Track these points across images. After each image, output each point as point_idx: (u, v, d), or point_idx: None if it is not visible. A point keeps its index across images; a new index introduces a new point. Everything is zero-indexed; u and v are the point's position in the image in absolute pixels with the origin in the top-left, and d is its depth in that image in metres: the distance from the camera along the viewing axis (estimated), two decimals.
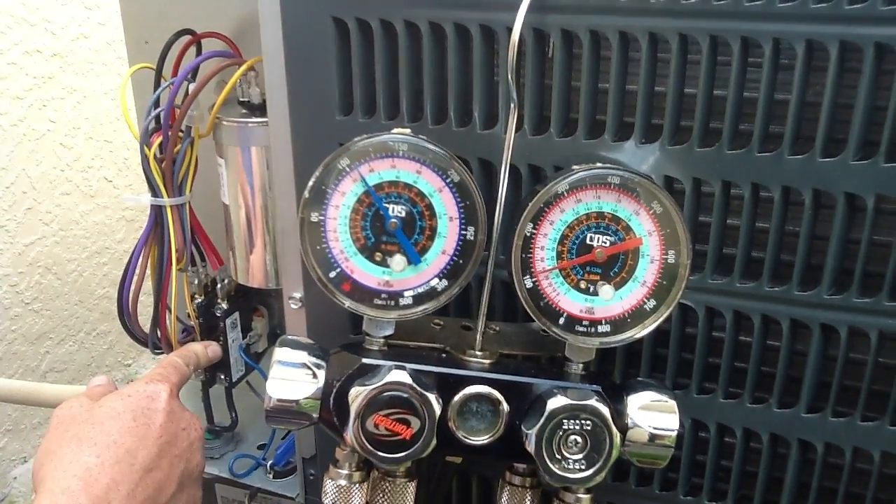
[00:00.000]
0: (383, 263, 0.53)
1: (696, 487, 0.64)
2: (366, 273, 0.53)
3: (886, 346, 0.55)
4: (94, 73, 1.64)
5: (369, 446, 0.51)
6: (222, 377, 0.80)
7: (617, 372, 0.62)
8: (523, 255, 0.52)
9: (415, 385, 0.50)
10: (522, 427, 0.52)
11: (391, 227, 0.52)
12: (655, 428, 0.53)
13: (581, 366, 0.55)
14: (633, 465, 0.63)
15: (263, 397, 0.82)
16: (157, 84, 0.72)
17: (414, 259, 0.52)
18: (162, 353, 0.78)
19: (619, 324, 0.53)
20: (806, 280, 0.55)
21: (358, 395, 0.50)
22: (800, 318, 0.56)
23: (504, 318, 0.62)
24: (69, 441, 0.58)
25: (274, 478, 0.80)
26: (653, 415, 0.53)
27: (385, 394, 0.50)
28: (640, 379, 0.58)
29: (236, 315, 0.79)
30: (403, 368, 0.51)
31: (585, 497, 0.55)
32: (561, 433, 0.51)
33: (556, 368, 0.56)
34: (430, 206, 0.52)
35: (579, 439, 0.51)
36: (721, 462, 0.63)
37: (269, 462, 0.80)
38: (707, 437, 0.62)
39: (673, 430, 0.53)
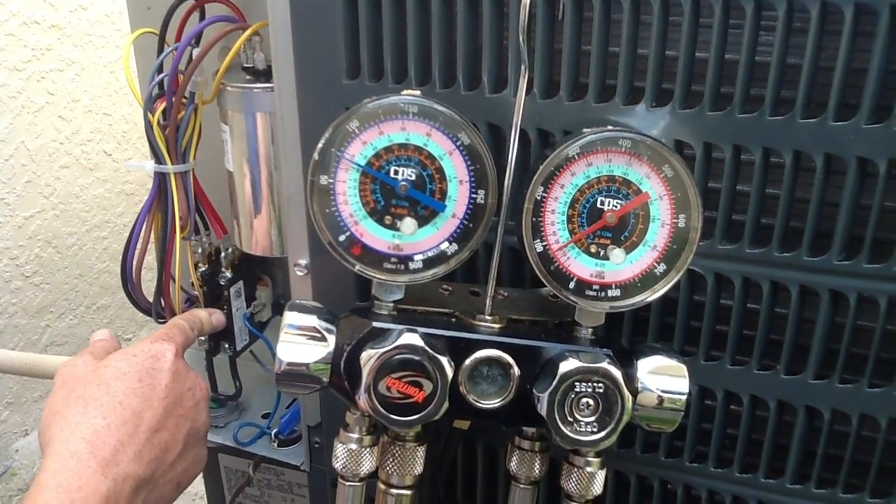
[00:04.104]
0: (393, 227, 0.53)
1: (701, 455, 0.64)
2: (375, 237, 0.53)
3: (895, 313, 0.55)
4: (93, 45, 1.63)
5: (381, 409, 0.51)
6: (226, 346, 0.80)
7: (624, 339, 0.62)
8: (534, 219, 0.52)
9: (426, 348, 0.50)
10: (534, 390, 0.52)
11: (402, 191, 0.52)
12: (665, 391, 0.53)
13: (590, 330, 0.55)
14: (641, 430, 0.63)
15: (267, 366, 0.83)
16: (160, 49, 0.71)
17: (438, 207, 0.52)
18: (165, 322, 0.77)
19: (629, 288, 0.53)
20: (816, 246, 0.55)
21: (370, 357, 0.50)
22: (809, 284, 0.56)
23: (511, 285, 0.62)
24: (75, 402, 0.58)
25: (278, 446, 0.80)
26: (663, 378, 0.53)
27: (397, 356, 0.50)
28: (649, 343, 0.58)
29: (240, 284, 0.79)
30: (415, 331, 0.51)
31: (595, 461, 0.55)
32: (573, 396, 0.51)
33: (565, 333, 0.55)
34: (440, 170, 0.52)
35: (591, 402, 0.51)
36: (727, 430, 0.63)
37: (274, 430, 0.81)
38: (713, 405, 0.62)
39: (683, 394, 0.53)
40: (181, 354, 0.65)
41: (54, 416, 0.58)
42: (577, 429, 0.51)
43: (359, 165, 0.52)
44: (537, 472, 0.58)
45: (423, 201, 0.52)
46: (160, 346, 0.63)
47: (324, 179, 0.52)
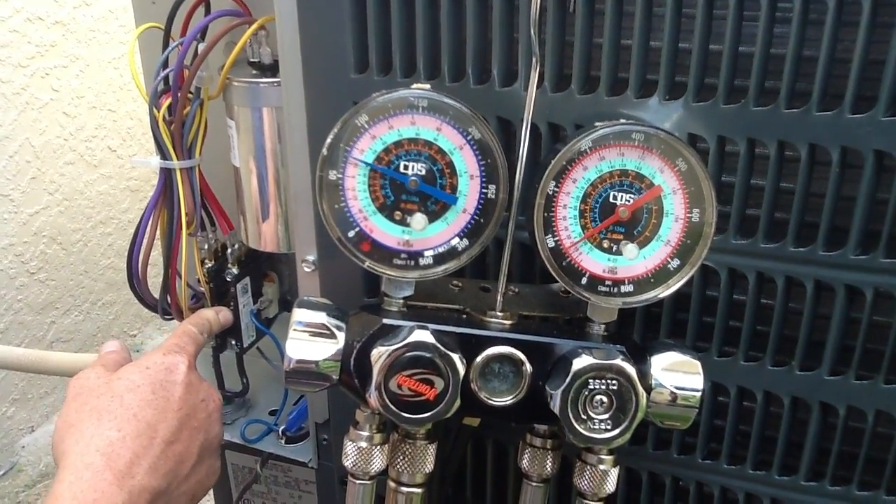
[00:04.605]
0: (403, 222, 0.52)
1: (713, 452, 0.64)
2: (385, 232, 0.52)
3: None
4: (97, 41, 1.63)
5: (392, 407, 0.50)
6: (233, 343, 0.79)
7: (636, 335, 0.61)
8: (545, 214, 0.51)
9: (438, 345, 0.50)
10: (547, 387, 0.51)
11: (412, 186, 0.51)
12: (679, 388, 0.52)
13: (603, 326, 0.54)
14: (654, 427, 0.62)
15: (274, 363, 0.82)
16: (165, 44, 0.71)
17: (449, 200, 0.51)
18: (172, 319, 0.77)
19: (642, 283, 0.52)
20: (831, 241, 0.54)
21: (381, 355, 0.50)
22: (824, 279, 0.55)
23: (521, 280, 0.61)
24: (89, 414, 0.58)
25: (286, 443, 0.80)
26: (676, 375, 0.52)
27: (408, 354, 0.49)
28: (662, 340, 0.57)
29: (247, 280, 0.78)
30: (426, 328, 0.50)
31: (608, 458, 0.54)
32: (587, 393, 0.50)
33: (576, 329, 0.55)
34: (450, 164, 0.51)
35: (605, 399, 0.50)
36: (740, 426, 0.62)
37: (281, 427, 0.80)
38: (726, 402, 0.61)
39: (697, 391, 0.52)
40: (194, 365, 0.65)
41: (68, 428, 0.58)
42: (591, 426, 0.51)
43: (367, 163, 0.51)
44: (549, 469, 0.57)
45: (434, 195, 0.51)
46: (173, 357, 0.63)
47: (333, 175, 0.51)
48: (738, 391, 0.60)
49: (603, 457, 0.54)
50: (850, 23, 0.49)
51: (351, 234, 0.52)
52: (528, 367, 0.52)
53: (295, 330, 0.53)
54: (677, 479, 0.65)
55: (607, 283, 0.52)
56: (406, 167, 0.51)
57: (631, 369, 0.50)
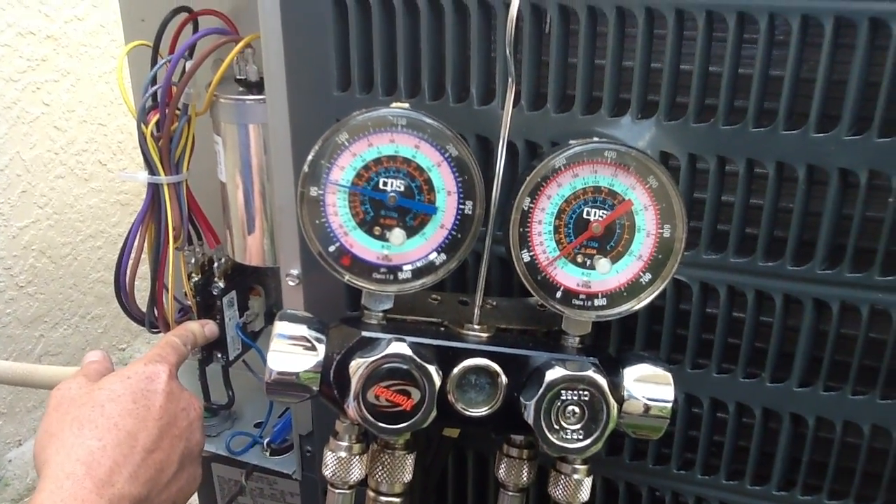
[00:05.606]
0: (382, 237, 0.53)
1: (688, 462, 0.65)
2: (365, 247, 0.53)
3: (877, 321, 0.56)
4: (88, 55, 1.64)
5: (370, 417, 0.51)
6: (219, 356, 0.80)
7: (612, 347, 0.62)
8: (521, 230, 0.52)
9: (414, 357, 0.51)
10: (521, 398, 0.53)
11: (390, 202, 0.52)
12: (651, 399, 0.53)
13: (578, 339, 0.55)
14: (628, 438, 0.63)
15: (260, 376, 0.83)
16: (153, 61, 0.72)
17: (429, 210, 0.53)
18: (159, 332, 0.78)
19: (615, 297, 0.53)
20: (799, 256, 0.56)
21: (359, 367, 0.51)
22: (792, 293, 0.56)
23: (499, 294, 0.63)
24: (70, 424, 0.59)
25: (271, 455, 0.81)
26: (648, 386, 0.54)
27: (385, 365, 0.51)
28: (635, 352, 0.58)
29: (233, 294, 0.79)
30: (403, 341, 0.51)
31: (582, 468, 0.55)
32: (559, 404, 0.51)
33: (552, 342, 0.56)
34: (428, 181, 0.53)
35: (577, 410, 0.52)
36: (713, 437, 0.64)
37: (266, 440, 0.81)
38: (700, 413, 0.62)
39: (668, 402, 0.53)
40: (175, 374, 0.65)
41: (49, 438, 0.58)
42: (564, 436, 0.52)
43: (344, 187, 0.52)
44: (525, 479, 0.59)
45: (414, 207, 0.53)
46: (154, 367, 0.63)
47: (314, 191, 0.53)
48: (711, 402, 0.61)
49: (577, 466, 0.56)
50: (814, 44, 0.51)
51: (331, 248, 0.53)
52: (504, 378, 0.53)
53: (276, 342, 0.54)
54: (653, 489, 0.66)
55: (581, 296, 0.53)
56: (385, 184, 0.53)
57: (602, 380, 0.52)
